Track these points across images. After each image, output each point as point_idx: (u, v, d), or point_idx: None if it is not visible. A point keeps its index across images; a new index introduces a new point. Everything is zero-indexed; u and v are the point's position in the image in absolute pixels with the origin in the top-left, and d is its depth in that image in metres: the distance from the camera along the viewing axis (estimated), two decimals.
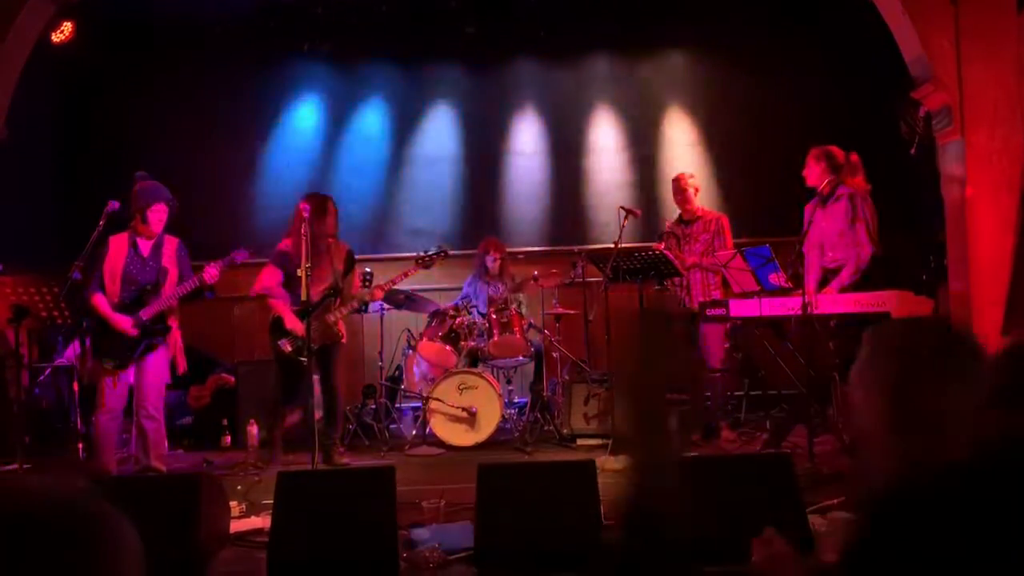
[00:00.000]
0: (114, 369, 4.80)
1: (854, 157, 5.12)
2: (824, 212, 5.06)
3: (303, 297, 4.98)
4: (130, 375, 4.90)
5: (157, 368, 4.92)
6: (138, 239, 4.91)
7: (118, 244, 4.88)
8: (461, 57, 8.26)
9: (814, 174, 5.10)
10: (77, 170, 8.00)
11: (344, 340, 5.70)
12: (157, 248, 4.95)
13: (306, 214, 4.98)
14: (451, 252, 6.04)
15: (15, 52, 5.45)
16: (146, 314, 4.81)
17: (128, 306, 4.84)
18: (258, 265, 5.72)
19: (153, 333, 4.87)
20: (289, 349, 5.50)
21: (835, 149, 5.08)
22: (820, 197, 5.08)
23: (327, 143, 8.40)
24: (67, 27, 6.71)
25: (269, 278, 5.54)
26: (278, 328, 5.54)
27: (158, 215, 4.90)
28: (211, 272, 4.85)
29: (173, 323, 4.98)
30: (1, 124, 5.52)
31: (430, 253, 5.76)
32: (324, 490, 3.51)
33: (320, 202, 5.47)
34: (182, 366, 5.12)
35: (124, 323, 4.78)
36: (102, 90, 8.10)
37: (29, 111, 6.03)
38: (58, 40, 6.67)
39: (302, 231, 4.97)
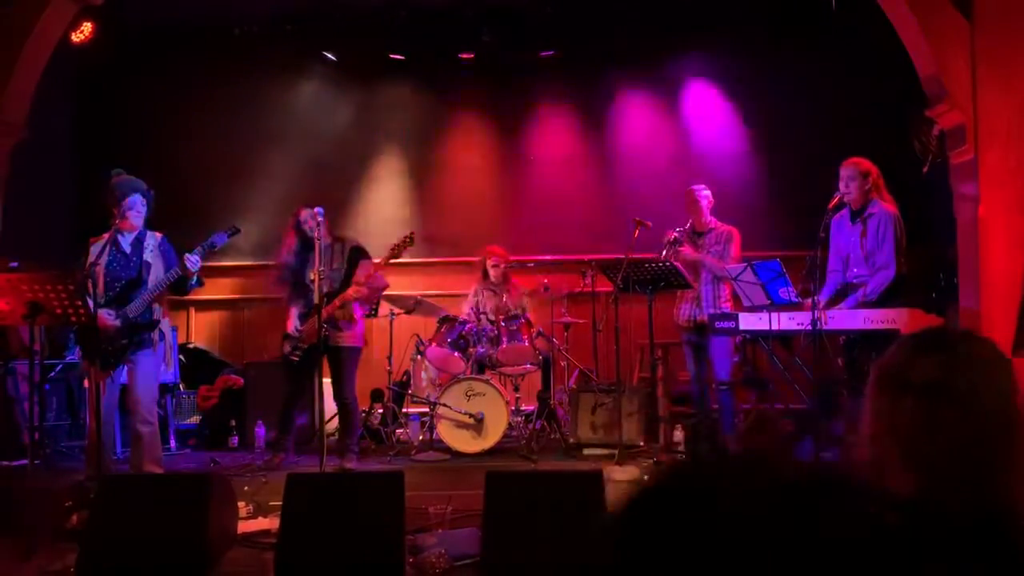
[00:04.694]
0: (104, 370, 4.68)
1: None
2: (853, 227, 4.99)
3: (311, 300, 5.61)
4: (123, 376, 4.84)
5: (149, 369, 4.83)
6: (119, 236, 4.79)
7: (99, 245, 4.78)
8: (476, 65, 8.30)
9: (855, 191, 4.93)
10: (93, 168, 8.05)
11: (347, 343, 5.66)
12: (138, 243, 4.85)
13: (321, 218, 5.05)
14: (456, 259, 6.04)
15: (38, 52, 5.48)
16: (132, 310, 4.71)
17: (113, 303, 4.73)
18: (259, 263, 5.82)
19: (141, 328, 4.77)
20: (287, 350, 5.75)
21: (872, 166, 4.96)
22: (851, 212, 5.03)
23: (341, 150, 8.44)
24: (87, 27, 6.77)
25: (279, 288, 5.87)
26: (286, 333, 5.80)
27: (135, 207, 4.80)
28: (192, 259, 4.69)
29: (164, 317, 4.91)
30: (23, 124, 5.55)
31: (397, 244, 5.62)
32: (333, 493, 3.53)
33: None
34: (170, 367, 5.09)
35: (104, 319, 4.62)
36: (119, 90, 8.17)
37: (47, 110, 6.07)
38: (78, 40, 6.73)
39: (315, 236, 5.09)
